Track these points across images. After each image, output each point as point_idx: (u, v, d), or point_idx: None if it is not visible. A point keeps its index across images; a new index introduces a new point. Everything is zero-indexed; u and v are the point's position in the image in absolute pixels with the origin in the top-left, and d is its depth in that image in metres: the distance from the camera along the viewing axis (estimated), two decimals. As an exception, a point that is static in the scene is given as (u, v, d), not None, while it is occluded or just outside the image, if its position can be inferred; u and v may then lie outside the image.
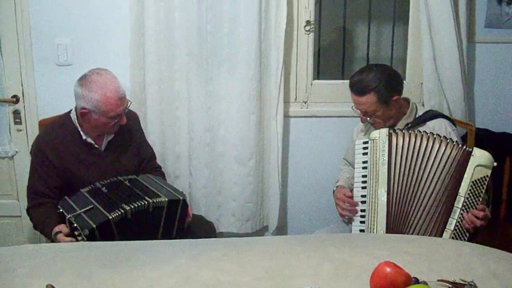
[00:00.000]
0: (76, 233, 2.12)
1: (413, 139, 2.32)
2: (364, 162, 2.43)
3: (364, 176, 2.43)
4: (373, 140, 2.38)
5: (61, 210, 2.21)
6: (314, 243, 1.93)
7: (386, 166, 2.32)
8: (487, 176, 2.21)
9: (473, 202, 2.20)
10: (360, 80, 2.44)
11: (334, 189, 2.65)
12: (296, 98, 3.12)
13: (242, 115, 2.90)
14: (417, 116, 2.52)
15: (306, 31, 3.01)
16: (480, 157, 2.22)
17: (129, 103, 2.40)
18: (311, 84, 3.11)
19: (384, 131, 2.37)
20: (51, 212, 2.29)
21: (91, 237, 2.07)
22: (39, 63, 2.91)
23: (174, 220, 2.31)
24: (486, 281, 1.61)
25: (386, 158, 2.33)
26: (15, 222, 3.10)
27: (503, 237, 2.69)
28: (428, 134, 2.31)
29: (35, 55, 2.90)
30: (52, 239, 2.22)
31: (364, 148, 2.44)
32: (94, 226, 2.08)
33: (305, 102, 3.11)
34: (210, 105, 2.91)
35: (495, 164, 2.22)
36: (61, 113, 2.78)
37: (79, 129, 2.39)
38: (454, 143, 2.29)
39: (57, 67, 2.92)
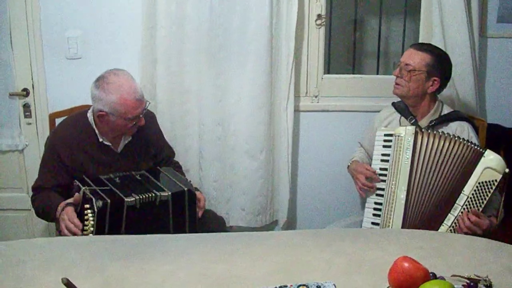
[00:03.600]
0: (86, 206, 2.10)
1: (437, 141, 2.30)
2: (383, 155, 2.43)
3: (382, 169, 2.42)
4: (398, 136, 2.36)
5: (77, 183, 2.20)
6: (326, 237, 1.92)
7: (409, 165, 2.31)
8: (495, 180, 2.18)
9: (476, 204, 2.19)
10: (427, 43, 2.56)
11: (349, 164, 2.64)
12: (306, 93, 3.10)
13: (252, 109, 2.89)
14: (442, 114, 2.51)
15: (317, 25, 2.99)
16: (491, 159, 2.20)
17: (147, 103, 2.36)
18: (322, 78, 3.09)
19: (411, 129, 2.35)
20: (56, 195, 2.29)
21: (101, 213, 2.06)
22: (49, 56, 2.90)
23: (183, 213, 2.29)
24: (501, 276, 1.59)
25: (409, 156, 2.31)
26: (24, 215, 3.10)
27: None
28: (451, 136, 2.30)
29: (45, 48, 2.89)
30: (54, 217, 2.20)
31: (385, 141, 2.43)
32: (109, 201, 2.08)
33: (316, 97, 3.09)
34: (220, 99, 2.90)
35: (507, 170, 2.19)
36: (71, 106, 2.82)
37: (96, 130, 2.36)
38: (466, 142, 2.27)
39: (67, 60, 2.91)
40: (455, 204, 2.23)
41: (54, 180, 2.33)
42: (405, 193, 2.30)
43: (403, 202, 2.30)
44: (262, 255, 1.76)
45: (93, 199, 2.08)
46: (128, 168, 2.41)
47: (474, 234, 2.12)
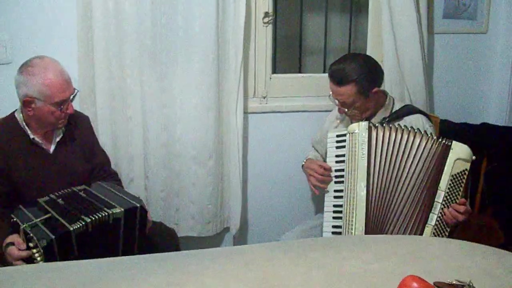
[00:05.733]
0: (31, 245, 1.90)
1: (393, 134, 2.26)
2: (337, 156, 2.36)
3: (337, 170, 2.35)
4: (352, 133, 2.29)
5: (14, 219, 1.98)
6: (297, 249, 1.81)
7: (365, 160, 2.25)
8: (466, 170, 2.18)
9: (453, 197, 2.17)
10: (341, 69, 2.36)
11: (303, 163, 2.58)
12: (254, 93, 2.98)
13: (199, 112, 2.74)
14: (393, 110, 2.46)
15: (265, 23, 2.88)
16: (459, 151, 2.19)
17: (76, 91, 2.24)
18: (270, 78, 2.99)
19: (364, 124, 2.29)
20: (1, 225, 2.07)
21: (48, 250, 1.85)
22: (-26, 61, 2.63)
23: (134, 230, 2.11)
24: (480, 279, 1.56)
25: (365, 151, 2.25)
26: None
27: (477, 229, 2.68)
28: (409, 129, 2.26)
29: (-31, 52, 2.61)
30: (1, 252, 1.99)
31: (338, 142, 2.36)
32: (53, 237, 1.85)
33: (264, 97, 2.98)
34: (165, 102, 2.73)
35: (474, 157, 2.20)
36: (1, 116, 2.55)
37: (26, 128, 2.21)
38: (433, 137, 2.24)
39: (-5, 65, 2.65)
40: (434, 202, 2.18)
41: None
42: (365, 190, 2.24)
43: (364, 198, 2.24)
44: (233, 273, 1.63)
45: (35, 238, 1.87)
46: (62, 169, 2.26)
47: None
